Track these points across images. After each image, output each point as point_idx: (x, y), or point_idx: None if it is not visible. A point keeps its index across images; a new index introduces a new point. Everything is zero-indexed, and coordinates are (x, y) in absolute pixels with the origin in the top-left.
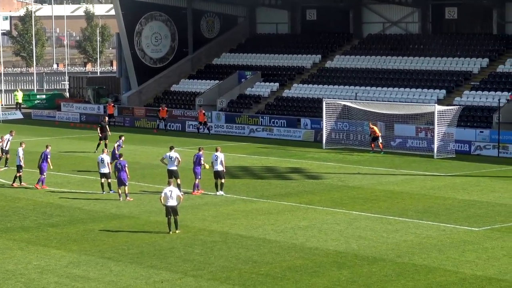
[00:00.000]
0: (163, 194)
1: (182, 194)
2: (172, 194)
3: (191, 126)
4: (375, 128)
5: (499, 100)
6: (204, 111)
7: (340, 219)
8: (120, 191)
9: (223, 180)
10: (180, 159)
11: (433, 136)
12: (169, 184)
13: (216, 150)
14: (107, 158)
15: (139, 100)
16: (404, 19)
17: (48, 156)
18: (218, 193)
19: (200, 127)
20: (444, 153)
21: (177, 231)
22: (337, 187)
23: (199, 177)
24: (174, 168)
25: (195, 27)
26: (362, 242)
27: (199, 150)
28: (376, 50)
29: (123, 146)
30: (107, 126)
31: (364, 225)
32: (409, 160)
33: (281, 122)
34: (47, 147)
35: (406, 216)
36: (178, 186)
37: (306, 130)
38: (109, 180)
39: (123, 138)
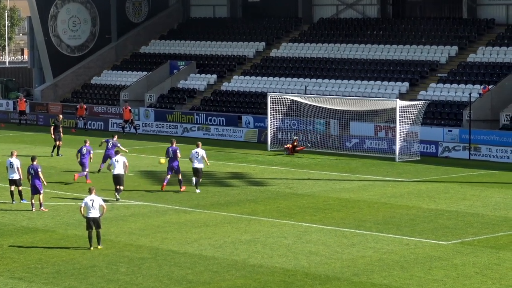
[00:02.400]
0: (83, 204)
1: (105, 204)
2: (94, 203)
3: (115, 125)
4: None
5: (470, 94)
6: (130, 108)
7: (287, 232)
8: (33, 200)
9: (199, 179)
10: (127, 163)
11: (394, 136)
12: (90, 192)
13: (197, 146)
14: (17, 162)
15: (55, 95)
16: (361, 1)
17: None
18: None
19: (126, 126)
20: (407, 155)
21: (99, 247)
22: (284, 195)
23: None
24: (121, 173)
25: (120, 10)
26: (313, 258)
27: (172, 143)
28: (328, 36)
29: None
30: (61, 125)
31: (315, 238)
32: (367, 164)
33: (220, 120)
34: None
35: (364, 228)
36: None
37: (248, 129)
38: (20, 188)
39: (116, 136)
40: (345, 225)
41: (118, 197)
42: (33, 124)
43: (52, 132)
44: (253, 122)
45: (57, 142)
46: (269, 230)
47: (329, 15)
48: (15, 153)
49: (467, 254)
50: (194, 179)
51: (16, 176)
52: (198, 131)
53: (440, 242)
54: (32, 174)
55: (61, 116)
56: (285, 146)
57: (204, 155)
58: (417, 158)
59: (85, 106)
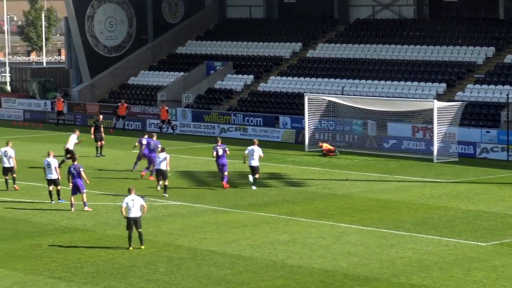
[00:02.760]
0: (124, 204)
1: (146, 204)
2: (135, 203)
3: (152, 125)
4: (326, 145)
5: (507, 95)
6: (167, 108)
7: (326, 232)
8: (73, 200)
9: (256, 175)
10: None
11: (432, 137)
12: (129, 192)
13: (254, 144)
14: (54, 162)
15: (92, 95)
16: (397, 1)
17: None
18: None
19: (163, 126)
20: (445, 156)
21: (142, 247)
22: (322, 195)
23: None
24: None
25: (156, 11)
26: (352, 259)
27: (218, 141)
28: (365, 37)
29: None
30: (102, 126)
31: (354, 239)
32: (405, 165)
33: (257, 120)
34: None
35: (403, 229)
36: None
37: (285, 130)
38: (58, 187)
39: (155, 136)
40: (383, 226)
41: (165, 194)
42: (70, 124)
43: (92, 133)
44: (290, 122)
45: (99, 143)
46: (307, 230)
47: (365, 16)
48: (52, 153)
49: (507, 256)
50: (250, 177)
51: (54, 176)
52: (236, 131)
53: (479, 243)
54: (74, 174)
55: (101, 116)
56: (321, 145)
57: (261, 153)
58: (455, 159)
59: (126, 105)
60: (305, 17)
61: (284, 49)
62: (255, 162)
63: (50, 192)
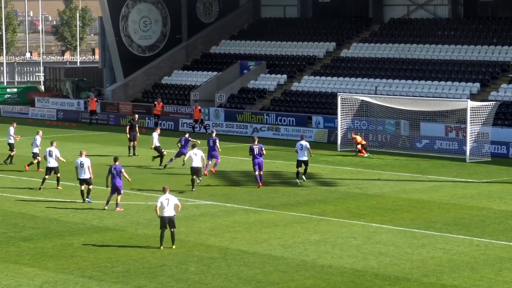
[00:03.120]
0: (158, 203)
1: (180, 203)
2: (169, 202)
3: (185, 125)
4: (357, 138)
5: None
6: (200, 107)
7: (357, 232)
8: (110, 200)
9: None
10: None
11: (465, 137)
12: (164, 191)
13: (301, 139)
14: (87, 161)
15: (125, 95)
16: (432, 1)
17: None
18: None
19: (196, 125)
20: (478, 156)
21: (173, 246)
22: (354, 195)
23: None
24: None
25: (190, 10)
26: (382, 259)
27: (254, 140)
28: (399, 37)
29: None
30: (137, 125)
31: (385, 239)
32: (438, 164)
33: (290, 120)
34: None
35: (434, 229)
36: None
37: (318, 130)
38: (90, 187)
39: (187, 134)
40: (415, 226)
41: (193, 189)
42: (103, 124)
43: (127, 132)
44: (323, 122)
45: (132, 142)
46: (338, 230)
47: (399, 15)
48: (84, 153)
49: None
50: (299, 169)
51: (86, 176)
52: (268, 131)
53: (510, 244)
54: (114, 174)
55: (136, 115)
56: (355, 138)
57: (308, 147)
58: (488, 159)
59: (162, 103)
60: (339, 17)
61: (318, 49)
62: (303, 157)
63: (82, 191)
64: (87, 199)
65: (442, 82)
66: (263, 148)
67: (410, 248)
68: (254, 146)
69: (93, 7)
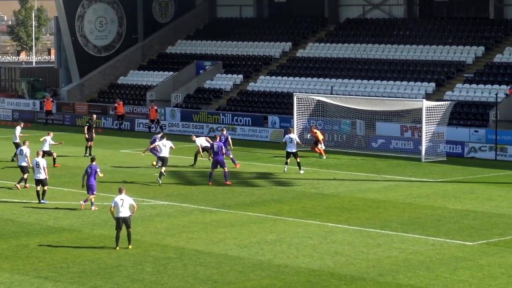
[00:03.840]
0: (113, 204)
1: (135, 204)
2: (124, 203)
3: (141, 125)
4: (318, 132)
5: (496, 94)
6: (156, 108)
7: (313, 232)
8: (91, 199)
9: (298, 159)
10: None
11: (420, 136)
12: (120, 192)
13: (289, 132)
14: (43, 162)
15: (81, 95)
16: (387, 1)
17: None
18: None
19: (152, 125)
20: (434, 156)
21: (129, 246)
22: (309, 195)
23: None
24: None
25: (146, 10)
26: (338, 258)
27: (216, 138)
28: (355, 37)
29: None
30: (94, 126)
31: (341, 239)
32: (393, 164)
33: (246, 120)
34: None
35: (390, 228)
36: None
37: (274, 129)
38: (45, 188)
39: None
40: (370, 226)
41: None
42: (59, 124)
43: (86, 132)
44: (279, 122)
45: (89, 143)
46: (294, 230)
47: (355, 15)
48: (41, 153)
49: (493, 255)
50: (288, 160)
51: (42, 176)
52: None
53: (465, 243)
54: (89, 173)
55: (95, 116)
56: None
57: (297, 139)
58: (443, 159)
59: (121, 103)
60: (295, 17)
61: (274, 49)
62: (292, 149)
63: (38, 192)
64: (42, 201)
65: (398, 82)
66: (223, 147)
67: (366, 248)
68: (214, 144)
69: (48, 7)
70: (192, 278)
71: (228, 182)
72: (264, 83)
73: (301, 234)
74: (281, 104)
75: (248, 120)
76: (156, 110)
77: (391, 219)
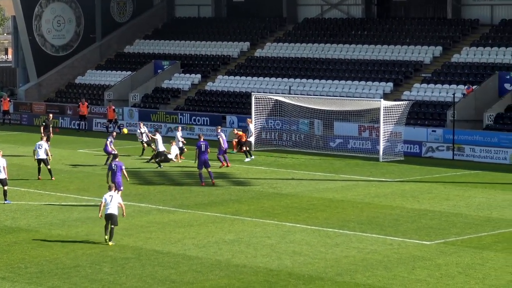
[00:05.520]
0: (103, 200)
1: (123, 203)
2: (112, 199)
3: (99, 125)
4: (241, 133)
5: (454, 94)
6: (114, 107)
7: (271, 231)
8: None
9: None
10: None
11: (378, 136)
12: (110, 189)
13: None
14: (2, 161)
15: (39, 95)
16: (345, 1)
17: None
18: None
19: (110, 125)
20: (391, 156)
21: (110, 243)
22: (268, 194)
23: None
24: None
25: (104, 10)
26: (297, 258)
27: (200, 137)
28: (313, 36)
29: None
30: (51, 125)
31: (299, 238)
32: (351, 164)
33: (204, 119)
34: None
35: (348, 228)
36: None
37: (232, 129)
38: (6, 188)
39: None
40: (328, 225)
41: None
42: (16, 124)
43: (42, 131)
44: (237, 122)
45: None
46: (252, 230)
47: (313, 15)
48: (1, 153)
49: (450, 254)
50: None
51: (1, 176)
52: (182, 130)
53: (423, 242)
54: (114, 170)
55: (51, 115)
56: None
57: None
58: (401, 158)
59: (86, 104)
60: (254, 16)
61: (232, 49)
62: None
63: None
64: (6, 201)
65: (356, 82)
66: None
67: (324, 247)
68: (200, 143)
69: (6, 6)
70: (150, 278)
71: (213, 181)
72: (222, 82)
73: (259, 234)
74: (239, 104)
75: (206, 120)
76: (114, 109)
77: (349, 219)
